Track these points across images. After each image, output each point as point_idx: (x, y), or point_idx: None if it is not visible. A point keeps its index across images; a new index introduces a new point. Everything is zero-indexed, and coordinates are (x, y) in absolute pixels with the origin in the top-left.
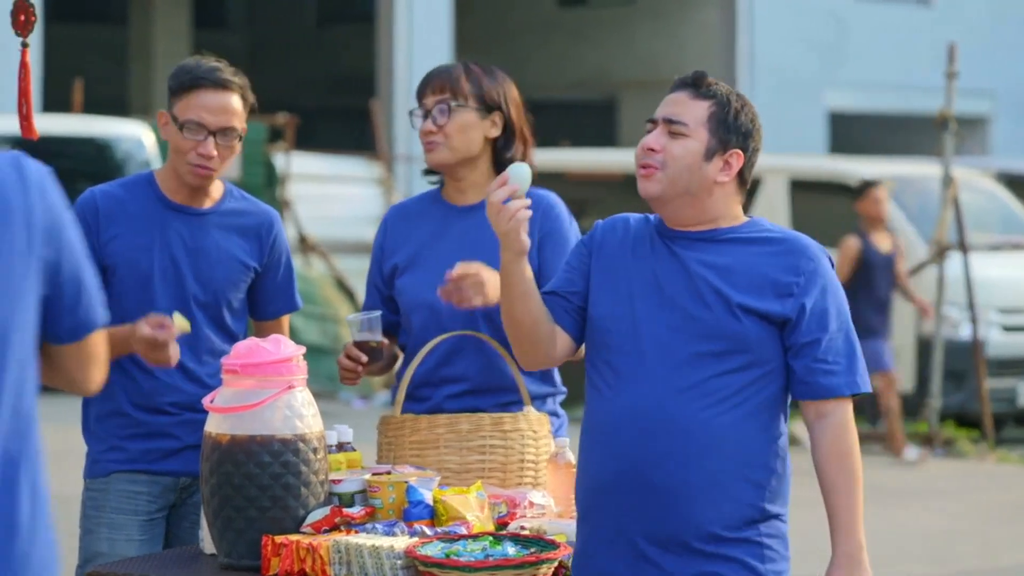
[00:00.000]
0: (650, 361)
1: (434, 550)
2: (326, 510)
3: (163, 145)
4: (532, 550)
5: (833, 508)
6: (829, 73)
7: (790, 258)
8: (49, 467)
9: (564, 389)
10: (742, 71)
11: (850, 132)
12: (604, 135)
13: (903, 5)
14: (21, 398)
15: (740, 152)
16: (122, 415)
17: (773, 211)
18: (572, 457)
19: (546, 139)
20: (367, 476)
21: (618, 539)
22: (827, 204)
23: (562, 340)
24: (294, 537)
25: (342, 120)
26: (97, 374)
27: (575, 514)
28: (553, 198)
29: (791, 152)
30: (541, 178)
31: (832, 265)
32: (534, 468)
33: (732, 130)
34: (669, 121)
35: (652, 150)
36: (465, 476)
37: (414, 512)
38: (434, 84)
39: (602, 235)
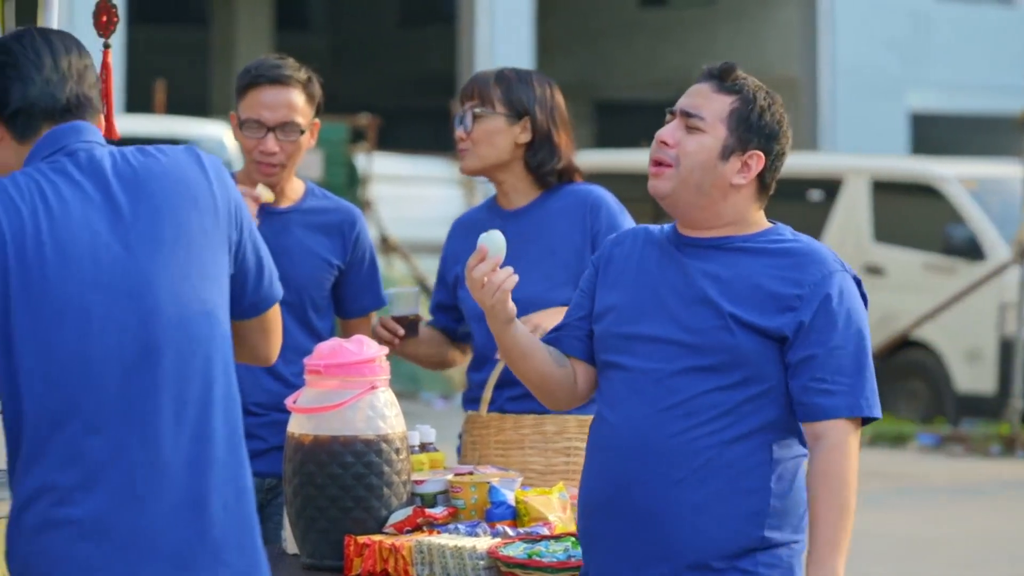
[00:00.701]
0: (638, 377)
1: (516, 551)
2: (408, 510)
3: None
4: None
5: (813, 535)
6: (911, 73)
7: (796, 271)
8: None
9: None
10: (823, 71)
11: (932, 133)
12: None
13: (985, 5)
14: (229, 375)
15: (761, 154)
16: None
17: (855, 212)
18: None
19: (628, 139)
20: (449, 477)
21: (609, 565)
22: (909, 205)
23: (583, 373)
24: (377, 537)
25: (423, 121)
26: (277, 343)
27: None
28: (600, 193)
29: (873, 153)
30: (624, 179)
31: (859, 283)
32: None
33: (754, 129)
34: (686, 114)
35: (664, 143)
36: (549, 477)
37: (496, 513)
38: (467, 91)
39: (609, 250)
